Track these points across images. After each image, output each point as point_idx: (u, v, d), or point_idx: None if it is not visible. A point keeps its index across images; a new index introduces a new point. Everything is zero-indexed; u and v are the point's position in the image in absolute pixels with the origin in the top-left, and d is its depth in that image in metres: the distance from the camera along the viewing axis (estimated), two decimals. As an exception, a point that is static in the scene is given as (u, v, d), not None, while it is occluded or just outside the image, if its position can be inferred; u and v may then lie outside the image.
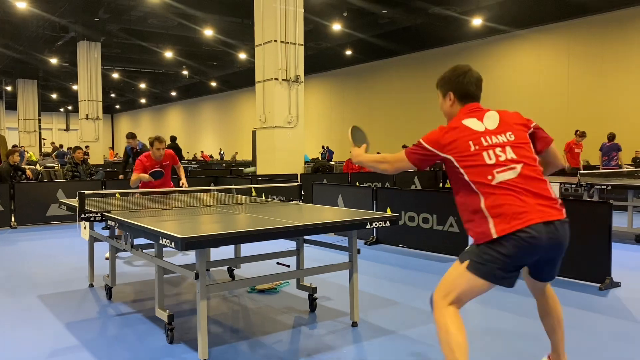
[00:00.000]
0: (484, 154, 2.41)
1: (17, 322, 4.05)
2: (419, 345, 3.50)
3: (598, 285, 4.91)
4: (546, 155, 2.68)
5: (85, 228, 4.20)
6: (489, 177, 2.37)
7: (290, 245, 4.53)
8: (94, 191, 4.93)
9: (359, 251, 3.91)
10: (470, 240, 2.51)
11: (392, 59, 27.82)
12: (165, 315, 3.56)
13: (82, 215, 3.91)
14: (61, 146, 28.64)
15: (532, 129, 2.60)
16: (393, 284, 5.15)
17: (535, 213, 2.29)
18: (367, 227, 3.66)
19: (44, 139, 37.01)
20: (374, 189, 7.65)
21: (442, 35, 24.01)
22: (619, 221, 8.08)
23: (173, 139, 15.32)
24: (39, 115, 36.70)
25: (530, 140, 2.55)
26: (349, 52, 27.56)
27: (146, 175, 6.14)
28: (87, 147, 24.09)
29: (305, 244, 4.50)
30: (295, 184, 5.14)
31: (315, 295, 4.27)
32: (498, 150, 2.42)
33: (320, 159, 27.90)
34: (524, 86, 22.13)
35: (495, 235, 2.30)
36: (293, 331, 3.81)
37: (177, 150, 14.78)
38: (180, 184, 6.55)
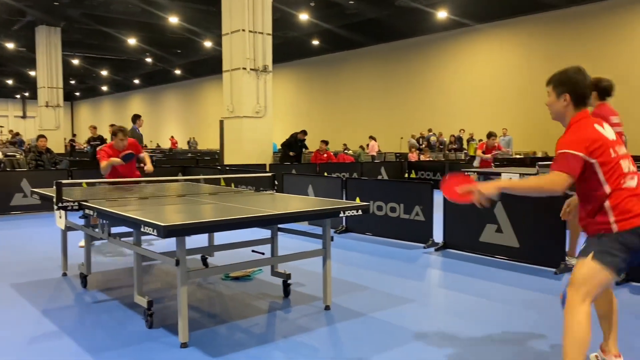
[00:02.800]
0: (621, 162, 2.62)
1: (-7, 310, 4.08)
2: (387, 326, 3.71)
3: (554, 270, 5.24)
4: None
5: (60, 217, 4.23)
6: (622, 181, 2.59)
7: (265, 233, 4.67)
8: (72, 181, 4.94)
9: (332, 239, 4.08)
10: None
11: (359, 49, 28.06)
12: (144, 301, 3.66)
13: (60, 205, 3.95)
14: (17, 134, 27.80)
15: None
16: (362, 270, 5.37)
17: None
18: (340, 215, 3.84)
19: (0, 127, 35.75)
20: (344, 179, 7.85)
21: (407, 27, 24.35)
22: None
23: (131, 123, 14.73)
24: (-5, 101, 35.43)
25: None
26: (316, 42, 27.63)
27: (117, 159, 6.17)
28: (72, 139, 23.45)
29: (279, 233, 4.66)
30: (269, 174, 5.27)
31: (289, 281, 4.43)
32: (626, 162, 2.66)
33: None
34: (485, 78, 22.72)
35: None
36: (268, 315, 3.98)
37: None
38: (146, 170, 6.58)
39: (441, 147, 21.60)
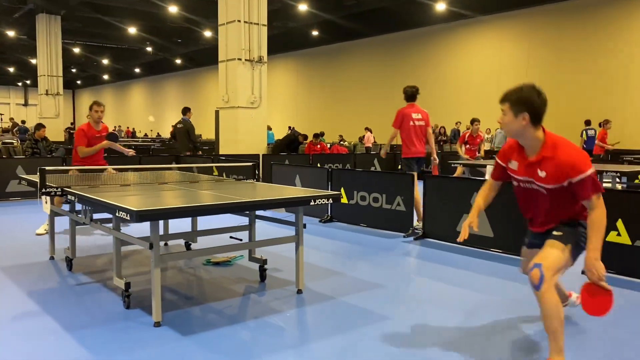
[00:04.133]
0: None
1: (-20, 291, 4.27)
2: (353, 309, 3.89)
3: (525, 258, 5.40)
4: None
5: (46, 202, 4.40)
6: None
7: (244, 221, 4.85)
8: (54, 167, 5.11)
9: (304, 226, 4.25)
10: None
11: (358, 40, 28.09)
12: (122, 282, 3.85)
13: (43, 190, 4.12)
14: (23, 122, 27.98)
15: None
16: (339, 257, 5.55)
17: None
18: (312, 203, 4.00)
19: (1, 114, 35.95)
20: (329, 170, 8.00)
21: (407, 18, 24.37)
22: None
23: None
24: (-4, 89, 35.60)
25: None
26: (315, 33, 27.66)
27: (106, 142, 6.35)
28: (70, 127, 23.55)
29: (257, 220, 4.83)
30: (250, 163, 5.43)
31: (265, 266, 4.61)
32: None
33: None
34: (484, 70, 22.78)
35: None
36: (243, 298, 4.16)
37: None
38: (127, 154, 6.77)
39: (438, 139, 21.71)
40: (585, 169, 2.73)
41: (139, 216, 3.14)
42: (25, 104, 54.26)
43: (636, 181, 10.31)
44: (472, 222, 3.09)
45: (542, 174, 2.86)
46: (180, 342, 3.26)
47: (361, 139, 21.74)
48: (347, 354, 3.13)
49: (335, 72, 30.02)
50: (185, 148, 12.08)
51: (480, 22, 23.04)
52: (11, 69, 43.77)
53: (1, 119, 34.81)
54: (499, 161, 3.16)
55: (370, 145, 20.57)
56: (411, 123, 6.86)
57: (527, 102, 2.81)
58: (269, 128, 22.72)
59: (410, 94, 6.96)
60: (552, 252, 2.84)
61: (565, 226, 2.96)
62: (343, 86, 29.49)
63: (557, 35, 20.47)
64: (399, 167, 13.91)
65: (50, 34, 24.50)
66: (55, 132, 24.46)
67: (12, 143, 13.29)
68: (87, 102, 56.25)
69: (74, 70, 45.55)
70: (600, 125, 14.71)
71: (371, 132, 21.36)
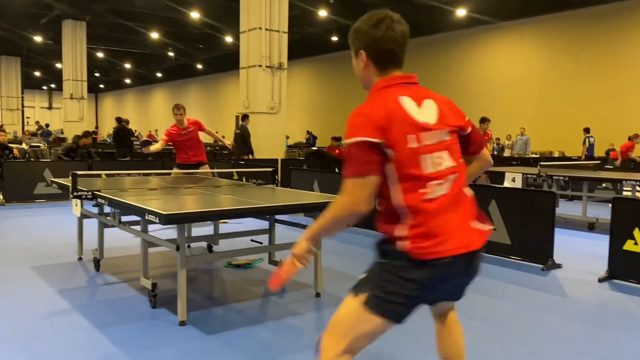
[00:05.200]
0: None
1: (13, 289, 4.48)
2: (373, 313, 4.00)
3: (541, 266, 5.46)
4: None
5: (77, 205, 4.60)
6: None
7: (264, 224, 4.99)
8: (88, 172, 5.32)
9: (323, 230, 4.37)
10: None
11: (377, 46, 28.16)
12: (149, 283, 4.01)
13: (75, 194, 4.32)
14: (47, 125, 28.65)
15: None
16: (355, 262, 5.65)
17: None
18: (330, 209, 4.12)
19: (27, 118, 36.81)
20: (348, 175, 8.10)
21: (427, 24, 24.38)
22: (576, 210, 8.68)
23: (119, 120, 15.36)
24: (22, 93, 36.47)
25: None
26: (334, 38, 27.83)
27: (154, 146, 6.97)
28: (94, 132, 24.15)
29: (277, 224, 4.97)
30: (270, 169, 5.58)
31: (285, 269, 4.74)
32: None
33: (304, 142, 28.30)
34: (505, 76, 22.69)
35: None
36: (263, 300, 4.30)
37: (125, 132, 14.96)
38: (226, 144, 8.11)
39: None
40: (347, 135, 1.83)
41: (167, 219, 3.30)
42: (50, 108, 55.44)
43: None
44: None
45: None
46: (205, 341, 3.41)
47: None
48: (363, 354, 3.24)
49: (355, 78, 29.88)
50: (241, 152, 12.56)
51: (501, 28, 22.98)
52: (37, 73, 44.80)
53: (27, 123, 35.64)
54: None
55: None
56: None
57: (356, 34, 1.99)
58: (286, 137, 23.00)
59: None
60: (339, 311, 1.98)
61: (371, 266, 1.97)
62: (361, 92, 29.44)
63: (577, 42, 20.33)
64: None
65: (75, 40, 25.09)
66: (79, 136, 25.05)
67: (39, 146, 13.69)
68: (109, 106, 57.35)
69: (97, 75, 46.42)
70: (629, 138, 14.58)
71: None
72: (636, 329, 3.79)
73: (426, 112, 1.89)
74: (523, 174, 8.66)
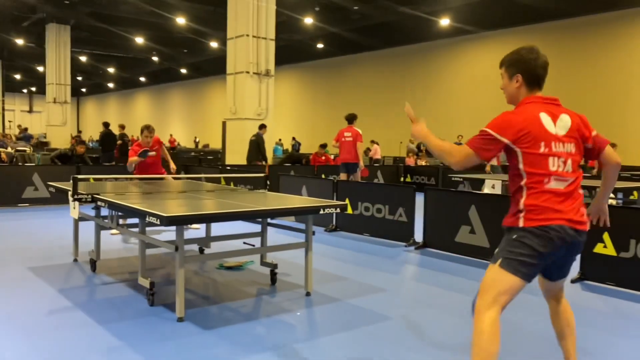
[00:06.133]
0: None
1: (13, 288, 4.63)
2: (357, 310, 4.25)
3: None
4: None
5: (75, 208, 4.76)
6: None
7: (256, 228, 5.21)
8: (87, 176, 5.48)
9: (313, 233, 4.62)
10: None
11: (363, 54, 28.61)
12: (147, 282, 4.20)
13: (75, 196, 4.49)
14: (26, 129, 28.41)
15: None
16: (344, 264, 5.90)
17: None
18: (321, 212, 4.37)
19: (9, 121, 36.42)
20: (334, 181, 8.37)
21: (411, 33, 24.86)
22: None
23: (106, 124, 15.57)
24: (3, 96, 36.10)
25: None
26: (320, 46, 28.19)
27: (136, 158, 6.89)
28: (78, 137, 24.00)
29: (269, 227, 5.19)
30: (262, 174, 5.80)
31: (276, 270, 4.97)
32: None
33: (290, 150, 28.55)
34: (486, 85, 23.21)
35: None
36: (255, 299, 4.51)
37: (111, 137, 15.11)
38: (172, 169, 7.37)
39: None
40: (488, 125, 2.55)
41: (168, 221, 3.51)
42: (30, 111, 54.82)
43: (631, 197, 10.67)
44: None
45: None
46: (203, 335, 3.61)
47: (366, 152, 22.04)
48: (351, 348, 3.48)
49: (340, 85, 30.51)
50: (253, 158, 12.84)
51: (483, 37, 23.55)
52: (18, 76, 44.34)
53: (10, 127, 35.27)
54: None
55: (380, 157, 20.77)
56: (343, 139, 10.28)
57: (517, 62, 2.68)
58: (279, 143, 23.19)
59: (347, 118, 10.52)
60: (485, 276, 2.56)
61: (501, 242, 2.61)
62: (348, 98, 29.96)
63: (558, 52, 20.92)
64: (402, 179, 14.36)
65: (59, 44, 25.03)
66: (62, 140, 24.92)
67: (24, 150, 13.69)
68: (91, 109, 56.92)
69: (79, 78, 46.10)
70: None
71: (378, 145, 21.65)
72: (606, 326, 4.09)
73: (559, 125, 2.55)
74: (502, 180, 9.00)
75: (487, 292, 2.49)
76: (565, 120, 2.58)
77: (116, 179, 7.13)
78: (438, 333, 3.79)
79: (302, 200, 4.87)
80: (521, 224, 2.49)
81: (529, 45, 2.70)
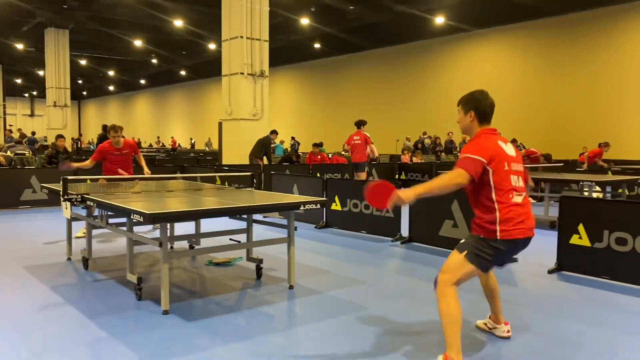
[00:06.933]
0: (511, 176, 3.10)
1: (8, 285, 4.82)
2: (337, 300, 4.43)
3: (499, 260, 5.92)
4: None
5: (67, 208, 4.95)
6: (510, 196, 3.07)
7: (243, 225, 5.39)
8: (77, 177, 5.67)
9: (295, 228, 4.80)
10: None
11: (359, 53, 28.77)
12: (135, 277, 4.39)
13: (65, 197, 4.68)
14: (33, 133, 28.69)
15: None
16: (329, 259, 6.08)
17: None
18: (301, 208, 4.54)
19: (10, 125, 36.70)
20: (324, 179, 8.55)
21: (406, 32, 25.02)
22: (539, 210, 9.21)
23: (105, 127, 15.69)
24: (4, 100, 36.38)
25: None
26: (317, 46, 28.36)
27: (78, 165, 7.12)
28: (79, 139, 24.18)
29: (259, 225, 5.37)
30: (248, 173, 5.99)
31: (261, 265, 5.15)
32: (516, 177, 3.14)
33: (289, 149, 28.72)
34: (482, 82, 23.33)
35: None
36: (240, 292, 4.70)
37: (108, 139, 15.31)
38: (145, 173, 7.34)
39: (435, 150, 22.24)
40: (464, 152, 3.08)
41: (152, 218, 3.69)
42: (32, 115, 55.17)
43: (619, 190, 10.81)
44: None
45: None
46: (186, 326, 3.80)
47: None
48: (326, 336, 3.66)
49: (337, 84, 30.68)
50: (253, 154, 13.07)
51: (478, 35, 23.69)
52: (18, 81, 44.66)
53: (11, 130, 35.57)
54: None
55: (377, 155, 20.92)
56: (352, 142, 11.74)
57: (472, 101, 3.25)
58: (281, 142, 23.33)
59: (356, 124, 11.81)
60: (449, 259, 3.18)
61: (469, 235, 3.21)
62: (344, 97, 30.14)
63: (553, 48, 21.09)
64: (397, 176, 14.56)
65: (58, 48, 25.25)
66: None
67: (24, 153, 13.91)
68: (92, 112, 57.19)
69: (80, 82, 46.38)
70: (599, 145, 15.21)
71: (372, 144, 21.80)
72: (579, 314, 4.26)
73: (509, 150, 3.20)
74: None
75: (452, 272, 3.13)
76: (510, 146, 3.24)
77: (108, 179, 7.24)
78: (412, 321, 3.97)
79: (284, 197, 5.04)
80: (498, 236, 3.06)
81: (480, 89, 3.34)
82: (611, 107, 19.44)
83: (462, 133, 3.45)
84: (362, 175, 12.01)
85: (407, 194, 3.05)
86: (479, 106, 3.25)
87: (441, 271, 3.17)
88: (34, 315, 4.03)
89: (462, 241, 3.24)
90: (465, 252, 3.12)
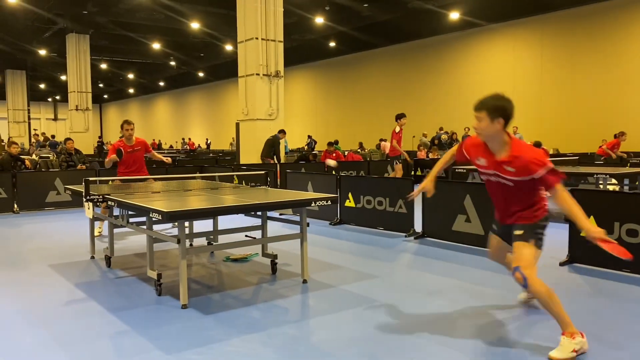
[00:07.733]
0: None
1: (35, 283, 5.06)
2: (349, 294, 4.55)
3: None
4: None
5: (89, 208, 5.17)
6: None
7: (258, 222, 5.55)
8: (97, 178, 5.89)
9: (307, 224, 4.93)
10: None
11: (374, 50, 28.79)
12: (154, 273, 4.58)
13: (88, 197, 4.89)
14: (53, 137, 29.37)
15: None
16: (343, 254, 6.21)
17: None
18: (312, 204, 4.69)
19: (34, 130, 37.60)
20: (338, 177, 8.68)
21: (420, 28, 24.99)
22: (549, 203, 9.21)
23: None
24: (28, 105, 37.27)
25: None
26: (332, 44, 28.48)
27: (114, 156, 7.18)
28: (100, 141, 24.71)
29: (274, 222, 5.53)
30: (262, 172, 6.15)
31: (276, 261, 5.31)
32: None
33: (306, 148, 28.89)
34: (498, 77, 23.21)
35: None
36: (255, 287, 4.86)
37: None
38: (166, 161, 7.84)
39: (452, 145, 22.18)
40: (546, 164, 3.26)
41: (169, 216, 3.87)
42: (55, 119, 56.30)
43: (637, 182, 10.71)
44: (425, 188, 4.01)
45: (511, 169, 3.40)
46: (203, 319, 3.97)
47: (378, 146, 22.30)
48: (336, 328, 3.80)
49: (352, 82, 30.75)
50: (264, 155, 13.43)
51: (493, 29, 23.53)
52: (42, 86, 45.67)
53: (37, 135, 36.41)
54: (466, 154, 3.75)
55: (387, 152, 21.02)
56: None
57: (501, 109, 3.38)
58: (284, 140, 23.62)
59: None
60: (523, 252, 3.45)
61: (523, 225, 3.51)
62: (360, 95, 30.19)
63: (570, 41, 20.85)
64: (413, 172, 14.67)
65: (79, 53, 25.80)
66: (85, 146, 25.68)
67: (48, 157, 14.30)
68: (113, 115, 58.16)
69: (101, 85, 47.26)
70: (615, 136, 15.06)
71: (386, 141, 21.88)
72: (589, 305, 4.32)
73: None
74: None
75: (532, 264, 3.43)
76: None
77: (128, 181, 7.46)
78: (423, 313, 4.08)
79: (297, 195, 5.19)
80: (542, 215, 3.54)
81: (499, 94, 3.48)
82: (628, 99, 19.16)
83: (482, 139, 3.49)
84: (395, 172, 12.06)
85: (587, 228, 3.25)
86: (506, 112, 3.38)
87: (522, 267, 3.38)
88: (60, 310, 4.24)
89: (519, 233, 3.52)
90: (532, 241, 3.48)
